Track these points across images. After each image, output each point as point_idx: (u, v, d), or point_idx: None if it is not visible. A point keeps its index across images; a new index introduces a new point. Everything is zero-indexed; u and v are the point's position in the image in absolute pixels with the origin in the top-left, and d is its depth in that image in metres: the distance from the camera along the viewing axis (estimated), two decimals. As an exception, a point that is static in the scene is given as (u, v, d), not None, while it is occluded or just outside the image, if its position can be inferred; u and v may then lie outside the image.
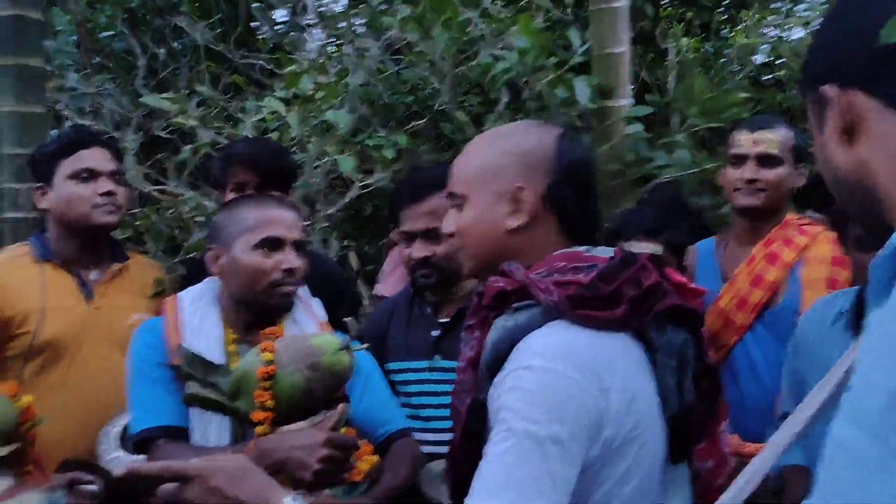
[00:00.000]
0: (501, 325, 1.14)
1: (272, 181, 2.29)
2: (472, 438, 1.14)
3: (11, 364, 2.11)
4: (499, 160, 1.26)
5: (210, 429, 1.70)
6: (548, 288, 1.12)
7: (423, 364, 2.10)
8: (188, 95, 3.49)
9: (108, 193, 2.22)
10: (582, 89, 3.13)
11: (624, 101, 3.41)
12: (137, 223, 3.22)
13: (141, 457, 2.03)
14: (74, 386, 2.12)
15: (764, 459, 0.87)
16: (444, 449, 1.98)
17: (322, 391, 1.61)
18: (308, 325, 1.85)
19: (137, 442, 1.74)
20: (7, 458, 1.55)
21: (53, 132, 3.46)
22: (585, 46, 3.32)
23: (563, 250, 1.22)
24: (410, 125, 3.39)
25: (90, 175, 2.22)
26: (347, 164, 2.91)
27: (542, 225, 1.24)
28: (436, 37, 3.12)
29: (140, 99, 3.55)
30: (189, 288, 1.86)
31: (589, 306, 1.11)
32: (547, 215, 1.24)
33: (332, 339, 1.63)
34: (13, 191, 3.22)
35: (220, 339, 1.76)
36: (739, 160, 2.37)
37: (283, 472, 1.54)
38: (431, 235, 2.02)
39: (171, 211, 3.24)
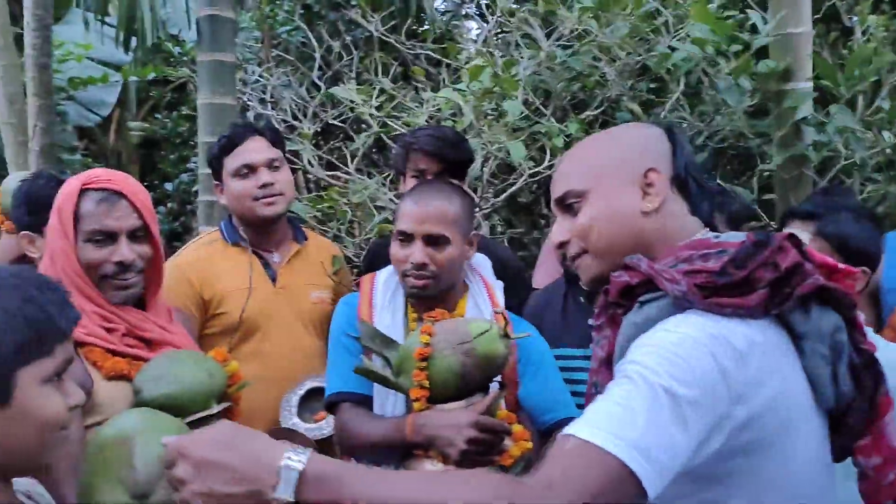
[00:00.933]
0: (631, 321, 1.12)
1: (450, 169, 2.37)
2: None
3: (211, 341, 2.26)
4: (621, 151, 1.25)
5: (388, 398, 1.83)
6: (674, 277, 1.08)
7: (579, 352, 2.12)
8: (369, 86, 3.65)
9: (266, 185, 2.34)
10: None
11: (805, 84, 3.23)
12: (321, 206, 3.41)
13: (314, 425, 2.18)
14: (265, 359, 2.27)
15: None
16: None
17: (478, 376, 1.67)
18: (486, 308, 1.92)
19: (328, 403, 1.92)
20: (219, 416, 1.66)
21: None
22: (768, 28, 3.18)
23: (688, 240, 1.19)
24: (582, 114, 3.37)
25: (249, 170, 2.35)
26: (519, 151, 2.94)
27: (673, 205, 1.22)
28: (614, 26, 3.10)
29: (326, 83, 3.73)
30: (386, 268, 1.99)
31: (721, 294, 1.05)
32: (676, 197, 1.22)
33: (490, 326, 1.68)
34: (208, 176, 3.52)
35: (403, 318, 1.89)
36: None
37: (432, 447, 1.65)
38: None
39: (345, 196, 3.41)
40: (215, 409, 1.64)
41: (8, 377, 1.02)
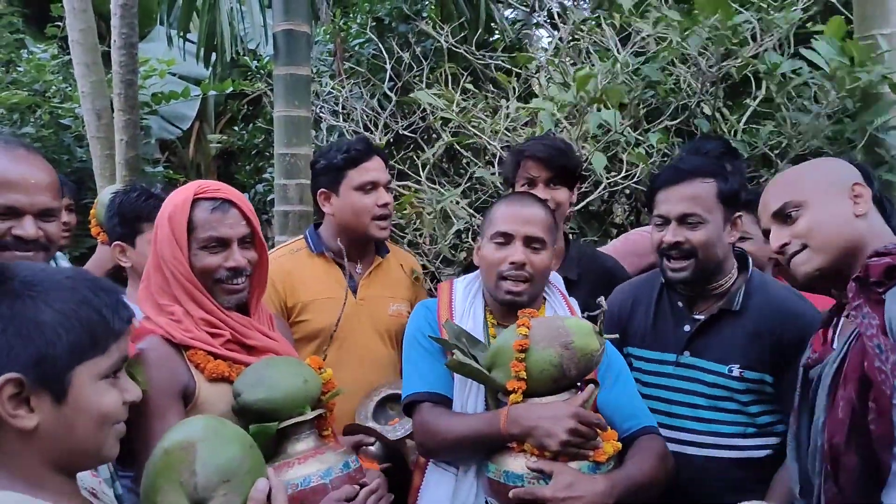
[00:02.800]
0: None
1: (559, 176, 2.38)
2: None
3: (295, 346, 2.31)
4: (828, 170, 1.59)
5: (469, 398, 1.85)
6: None
7: (671, 357, 2.06)
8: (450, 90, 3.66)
9: (386, 205, 2.41)
10: None
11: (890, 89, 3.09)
12: (403, 211, 3.43)
13: (389, 427, 2.20)
14: (344, 367, 2.29)
15: None
16: (678, 447, 1.99)
17: (574, 370, 1.69)
18: (562, 310, 1.98)
19: (407, 404, 1.92)
20: (312, 421, 1.73)
21: (312, 133, 3.83)
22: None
23: None
24: (660, 122, 3.32)
25: (373, 187, 2.41)
26: (600, 162, 2.93)
27: (874, 213, 1.53)
28: (696, 33, 3.06)
29: (412, 94, 3.76)
30: (464, 276, 2.06)
31: None
32: (874, 209, 1.53)
33: (584, 323, 1.73)
34: (283, 186, 3.61)
35: (482, 322, 1.93)
36: None
37: (531, 437, 1.66)
38: (688, 221, 1.99)
39: (419, 205, 3.43)
40: (309, 415, 1.69)
41: (63, 376, 1.07)
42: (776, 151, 3.19)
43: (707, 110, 3.27)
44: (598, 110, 3.12)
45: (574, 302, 2.04)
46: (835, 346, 1.52)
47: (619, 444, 1.74)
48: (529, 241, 1.88)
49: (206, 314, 1.76)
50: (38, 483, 1.08)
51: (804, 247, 1.53)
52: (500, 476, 1.70)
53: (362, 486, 1.70)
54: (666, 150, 3.25)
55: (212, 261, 1.77)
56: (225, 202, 1.78)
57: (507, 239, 1.89)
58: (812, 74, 3.10)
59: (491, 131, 3.35)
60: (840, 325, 1.56)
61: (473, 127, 3.42)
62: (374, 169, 2.43)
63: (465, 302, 1.97)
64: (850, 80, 2.96)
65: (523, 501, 1.64)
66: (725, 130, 3.24)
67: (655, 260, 2.48)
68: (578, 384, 1.77)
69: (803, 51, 3.06)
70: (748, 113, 3.20)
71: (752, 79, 3.28)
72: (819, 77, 3.07)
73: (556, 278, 2.11)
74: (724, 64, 3.19)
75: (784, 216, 1.56)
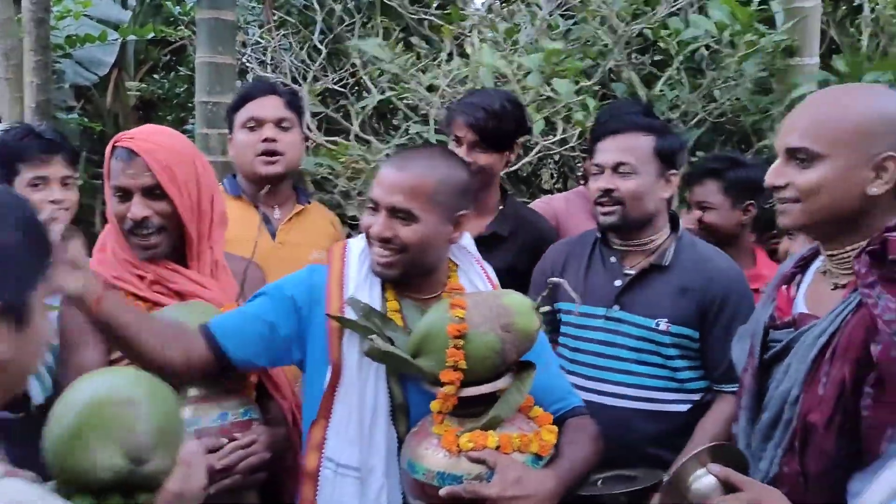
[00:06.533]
0: None
1: (486, 140, 2.34)
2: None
3: None
4: (873, 126, 1.33)
5: (368, 382, 1.60)
6: None
7: (601, 311, 2.10)
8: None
9: (268, 140, 2.35)
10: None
11: (811, 59, 3.20)
12: (321, 169, 3.38)
13: None
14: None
15: None
16: (604, 399, 2.04)
17: (514, 354, 1.51)
18: (482, 285, 1.74)
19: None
20: None
21: (238, 83, 3.71)
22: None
23: None
24: (578, 85, 3.35)
25: (256, 123, 2.39)
26: (538, 126, 2.92)
27: (890, 194, 1.34)
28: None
29: (350, 43, 3.67)
30: (361, 235, 1.75)
31: None
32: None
33: (524, 299, 1.54)
34: (204, 135, 3.49)
35: (380, 294, 1.66)
36: None
37: None
38: (620, 171, 2.05)
39: (342, 160, 3.38)
40: None
41: (27, 299, 1.01)
42: (688, 118, 3.27)
43: (626, 74, 3.30)
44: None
45: (488, 267, 1.81)
46: (800, 305, 1.47)
47: (557, 430, 1.57)
48: (394, 212, 1.60)
49: (131, 256, 1.79)
50: None
51: (798, 200, 1.38)
52: (432, 479, 1.46)
53: (233, 440, 1.63)
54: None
55: (118, 209, 1.78)
56: (131, 152, 1.75)
57: (375, 206, 1.63)
58: (706, 39, 3.15)
59: (427, 88, 3.30)
60: (807, 283, 1.50)
61: (408, 83, 3.37)
62: (259, 106, 2.40)
63: (360, 270, 1.68)
64: (747, 45, 3.04)
65: (459, 499, 1.44)
66: (642, 95, 3.28)
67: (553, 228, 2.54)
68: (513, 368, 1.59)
69: (693, 17, 3.12)
70: (664, 78, 3.25)
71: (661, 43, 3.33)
72: (713, 42, 3.13)
73: (467, 241, 1.80)
74: (634, 24, 3.22)
75: (797, 158, 1.38)
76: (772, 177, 1.41)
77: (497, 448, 1.46)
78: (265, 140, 2.37)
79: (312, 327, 1.66)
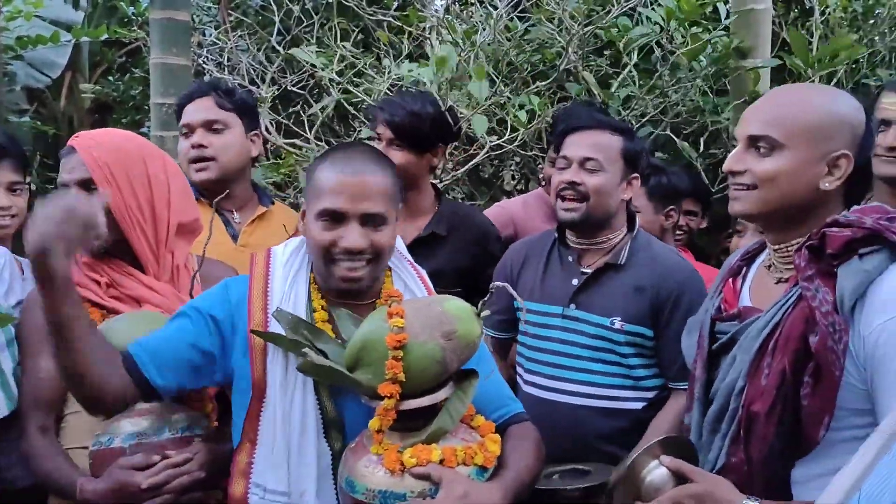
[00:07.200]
0: (861, 268, 1.28)
1: (402, 138, 2.34)
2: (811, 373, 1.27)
3: None
4: (832, 124, 1.40)
5: (295, 394, 1.53)
6: None
7: (558, 310, 2.11)
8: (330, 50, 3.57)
9: (196, 146, 2.32)
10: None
11: (763, 60, 3.26)
12: (281, 171, 3.35)
13: None
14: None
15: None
16: (560, 397, 2.04)
17: (456, 363, 1.45)
18: (418, 289, 1.69)
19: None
20: None
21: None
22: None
23: (871, 205, 1.38)
24: (535, 85, 3.36)
25: (189, 129, 2.36)
26: (482, 125, 2.92)
27: (838, 190, 1.41)
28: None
29: (285, 47, 3.65)
30: (288, 241, 1.71)
31: None
32: (846, 183, 1.40)
33: (465, 305, 1.48)
34: (159, 138, 3.43)
35: (306, 302, 1.60)
36: (885, 125, 2.24)
37: None
38: (587, 167, 2.08)
39: (304, 163, 3.35)
40: None
41: None
42: (644, 119, 3.30)
43: (586, 75, 3.32)
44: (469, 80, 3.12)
45: (421, 269, 1.75)
46: (745, 298, 1.50)
47: (500, 439, 1.54)
48: (367, 220, 1.53)
49: (87, 258, 1.81)
50: None
51: (754, 187, 1.43)
52: (374, 498, 1.40)
53: (166, 458, 1.59)
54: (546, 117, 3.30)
55: None
56: (71, 148, 1.80)
57: (337, 219, 1.52)
58: (655, 36, 3.19)
59: (378, 91, 3.29)
60: (752, 276, 1.54)
61: (359, 86, 3.35)
62: (191, 111, 2.36)
63: (285, 279, 1.59)
64: (693, 39, 3.08)
65: None
66: (597, 94, 3.31)
67: (511, 233, 2.57)
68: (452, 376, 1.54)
69: (642, 9, 3.16)
70: (620, 79, 3.28)
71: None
72: (660, 36, 3.17)
73: (399, 243, 1.73)
74: (587, 25, 3.25)
75: (756, 147, 1.43)
76: (731, 162, 1.45)
77: (441, 462, 1.40)
78: (193, 147, 2.33)
79: (235, 346, 1.58)
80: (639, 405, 2.07)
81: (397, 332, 1.41)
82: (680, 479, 1.36)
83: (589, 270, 2.12)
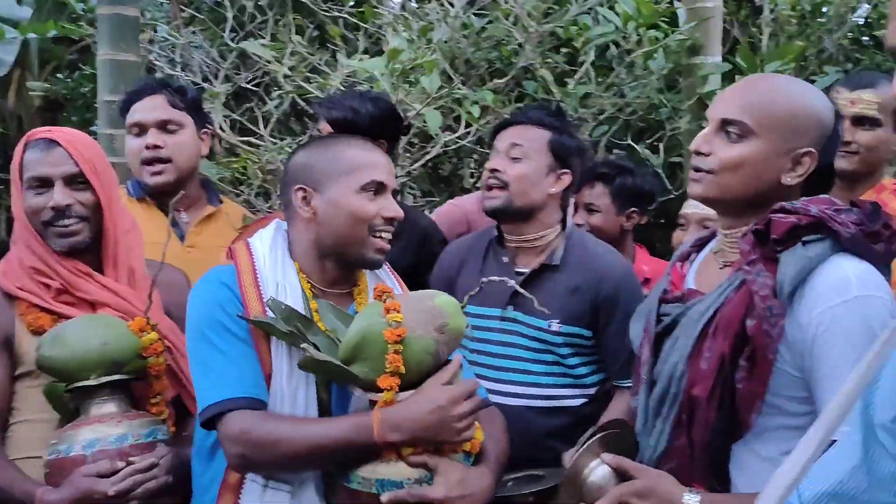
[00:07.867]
0: (804, 255, 1.29)
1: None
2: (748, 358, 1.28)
3: None
4: (805, 120, 1.38)
5: (298, 390, 1.53)
6: (844, 222, 1.29)
7: (496, 312, 2.11)
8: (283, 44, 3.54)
9: (151, 147, 2.24)
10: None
11: (713, 58, 3.31)
12: (234, 167, 3.30)
13: None
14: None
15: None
16: (502, 399, 2.04)
17: (444, 356, 1.50)
18: (388, 280, 1.73)
19: (212, 417, 1.50)
20: (127, 389, 1.67)
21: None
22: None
23: (820, 196, 1.38)
24: (492, 82, 3.37)
25: (140, 129, 2.27)
26: (435, 120, 2.90)
27: (798, 186, 1.40)
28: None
29: (239, 44, 3.60)
30: (258, 234, 1.69)
31: (869, 241, 1.29)
32: (806, 181, 1.40)
33: (452, 300, 1.53)
34: (108, 136, 3.35)
35: (300, 293, 1.59)
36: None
37: (423, 440, 1.42)
38: (511, 155, 2.10)
39: (257, 159, 3.31)
40: (94, 381, 1.61)
41: None
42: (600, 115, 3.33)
43: (543, 73, 3.34)
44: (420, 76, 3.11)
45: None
46: (689, 282, 1.51)
47: (479, 426, 1.56)
48: (394, 195, 1.67)
49: (38, 261, 1.74)
50: None
51: (715, 172, 1.40)
52: (371, 486, 1.43)
53: (130, 463, 1.56)
54: (504, 113, 3.31)
55: (36, 201, 1.75)
56: (51, 142, 1.75)
57: (379, 191, 1.60)
58: (612, 35, 3.24)
59: (332, 87, 3.26)
60: (699, 260, 1.54)
61: (314, 82, 3.32)
62: (141, 109, 2.27)
63: (274, 268, 1.58)
64: (651, 42, 3.13)
65: None
66: (555, 92, 3.33)
67: (465, 231, 2.56)
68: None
69: (601, 10, 3.20)
70: (577, 77, 3.31)
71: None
72: (617, 36, 3.21)
73: None
74: (545, 22, 3.27)
75: (726, 131, 1.40)
76: (699, 142, 1.43)
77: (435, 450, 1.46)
78: (148, 147, 2.25)
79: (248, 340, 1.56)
80: (581, 402, 2.08)
81: (395, 326, 1.44)
82: (622, 475, 1.35)
83: (525, 270, 2.11)
